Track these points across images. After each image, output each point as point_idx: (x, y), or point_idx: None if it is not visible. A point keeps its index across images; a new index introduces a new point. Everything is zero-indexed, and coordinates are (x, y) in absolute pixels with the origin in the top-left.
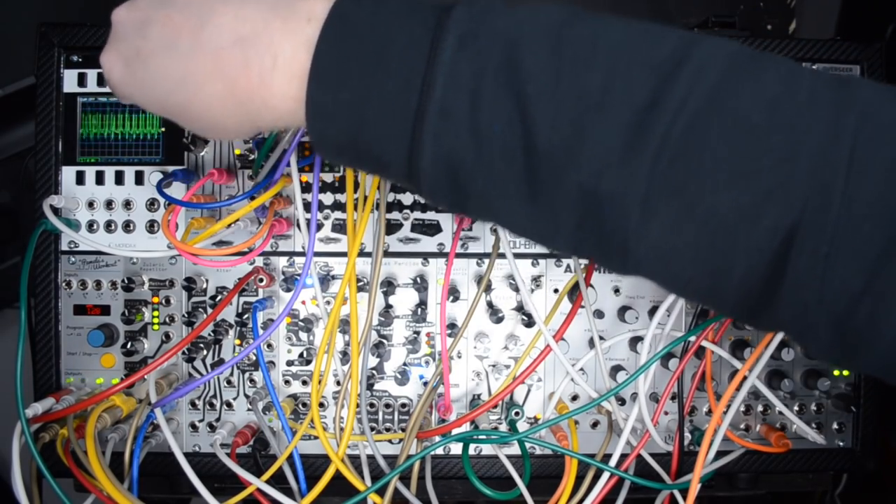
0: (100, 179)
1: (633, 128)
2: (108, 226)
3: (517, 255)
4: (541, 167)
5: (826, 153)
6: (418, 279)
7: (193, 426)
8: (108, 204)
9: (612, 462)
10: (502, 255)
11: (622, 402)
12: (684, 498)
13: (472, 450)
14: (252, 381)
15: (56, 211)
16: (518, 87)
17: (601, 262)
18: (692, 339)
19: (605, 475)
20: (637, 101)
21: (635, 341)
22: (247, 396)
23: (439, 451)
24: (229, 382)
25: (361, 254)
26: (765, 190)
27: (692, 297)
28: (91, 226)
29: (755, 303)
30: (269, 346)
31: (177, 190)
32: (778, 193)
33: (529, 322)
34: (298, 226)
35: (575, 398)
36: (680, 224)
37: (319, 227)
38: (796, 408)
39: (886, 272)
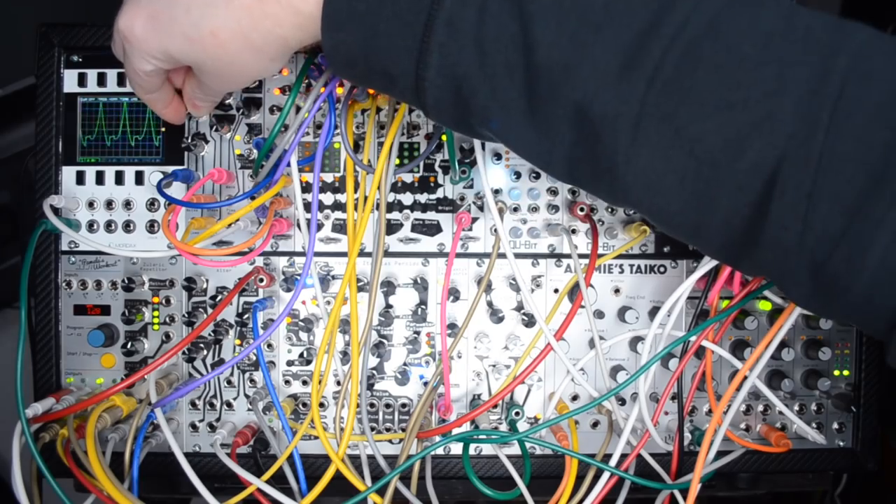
0: (100, 179)
1: (630, 50)
2: (109, 226)
3: (517, 256)
4: (540, 83)
5: (813, 90)
6: (418, 279)
7: (193, 426)
8: (109, 204)
9: (612, 462)
10: (502, 256)
11: (622, 402)
12: (684, 498)
13: (472, 450)
14: (252, 381)
15: (56, 211)
16: (522, 4)
17: (593, 188)
18: (692, 339)
19: (606, 475)
20: (636, 25)
21: (635, 341)
22: (247, 396)
23: (439, 450)
24: (229, 382)
25: (361, 254)
26: (751, 121)
27: (679, 233)
28: (91, 226)
29: (739, 244)
30: (270, 346)
31: (177, 190)
32: (764, 126)
33: (529, 322)
34: (298, 226)
35: (575, 398)
36: (667, 150)
37: (319, 227)
38: (796, 408)
39: (864, 213)
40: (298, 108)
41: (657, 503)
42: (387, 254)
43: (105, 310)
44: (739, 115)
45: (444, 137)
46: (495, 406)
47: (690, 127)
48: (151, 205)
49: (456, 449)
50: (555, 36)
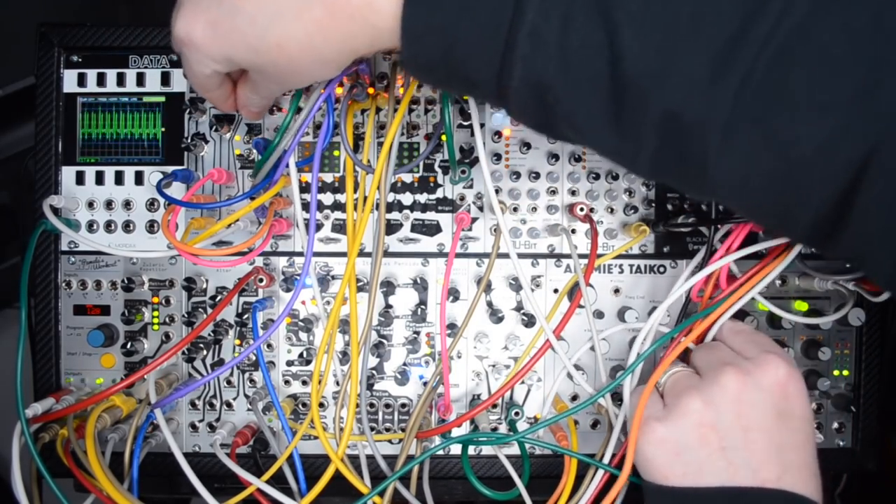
0: (100, 179)
1: (720, 56)
2: (108, 226)
3: (517, 256)
4: (627, 91)
5: None
6: (418, 279)
7: (193, 426)
8: (108, 204)
9: (606, 459)
10: (502, 255)
11: (621, 401)
12: None
13: (471, 450)
14: (252, 381)
15: (56, 211)
16: (608, 13)
17: (679, 185)
18: (675, 335)
19: (600, 473)
20: (725, 31)
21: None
22: (247, 396)
23: (439, 451)
24: (229, 382)
25: (361, 254)
26: (843, 123)
27: (764, 223)
28: (91, 226)
29: (825, 232)
30: (269, 346)
31: (177, 190)
32: (857, 125)
33: (529, 322)
34: (298, 226)
35: (575, 398)
36: (759, 152)
37: (319, 227)
38: None
39: None
40: (299, 110)
41: None
42: (386, 254)
43: (105, 310)
44: (832, 117)
45: (443, 137)
46: (495, 406)
47: (782, 131)
48: (151, 205)
49: (455, 449)
50: (642, 45)
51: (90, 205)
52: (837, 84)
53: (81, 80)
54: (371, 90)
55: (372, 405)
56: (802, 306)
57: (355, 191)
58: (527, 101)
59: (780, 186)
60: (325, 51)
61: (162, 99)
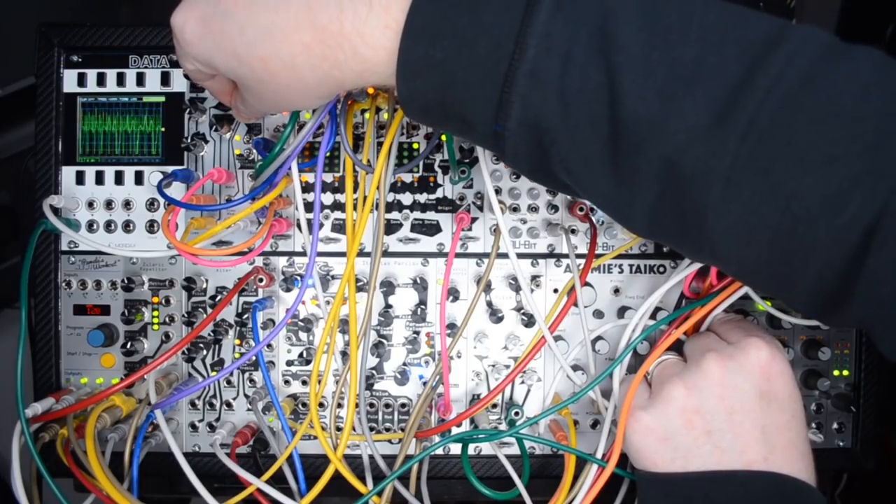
0: (100, 179)
1: (722, 104)
2: (108, 226)
3: (517, 255)
4: (625, 137)
5: None
6: (418, 279)
7: (193, 426)
8: (108, 204)
9: (601, 453)
10: (502, 255)
11: None
12: None
13: (471, 450)
14: (252, 380)
15: (56, 211)
16: (610, 55)
17: (676, 243)
18: (663, 327)
19: (595, 470)
20: (729, 78)
21: None
22: (246, 396)
23: (439, 451)
24: (229, 382)
25: (361, 254)
26: (852, 175)
27: (764, 286)
28: (91, 226)
29: (830, 297)
30: (269, 346)
31: (177, 190)
32: (865, 180)
33: (529, 322)
34: (298, 226)
35: None
36: (761, 206)
37: (319, 226)
38: None
39: None
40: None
41: None
42: (386, 254)
43: (105, 310)
44: (840, 169)
45: (443, 137)
46: (494, 406)
47: (787, 182)
48: (151, 205)
49: (455, 449)
50: (642, 89)
51: (90, 205)
52: (846, 136)
53: (81, 80)
54: (371, 90)
55: (372, 405)
56: None
57: (355, 191)
58: (523, 144)
59: (784, 244)
60: (308, 77)
61: (162, 99)
